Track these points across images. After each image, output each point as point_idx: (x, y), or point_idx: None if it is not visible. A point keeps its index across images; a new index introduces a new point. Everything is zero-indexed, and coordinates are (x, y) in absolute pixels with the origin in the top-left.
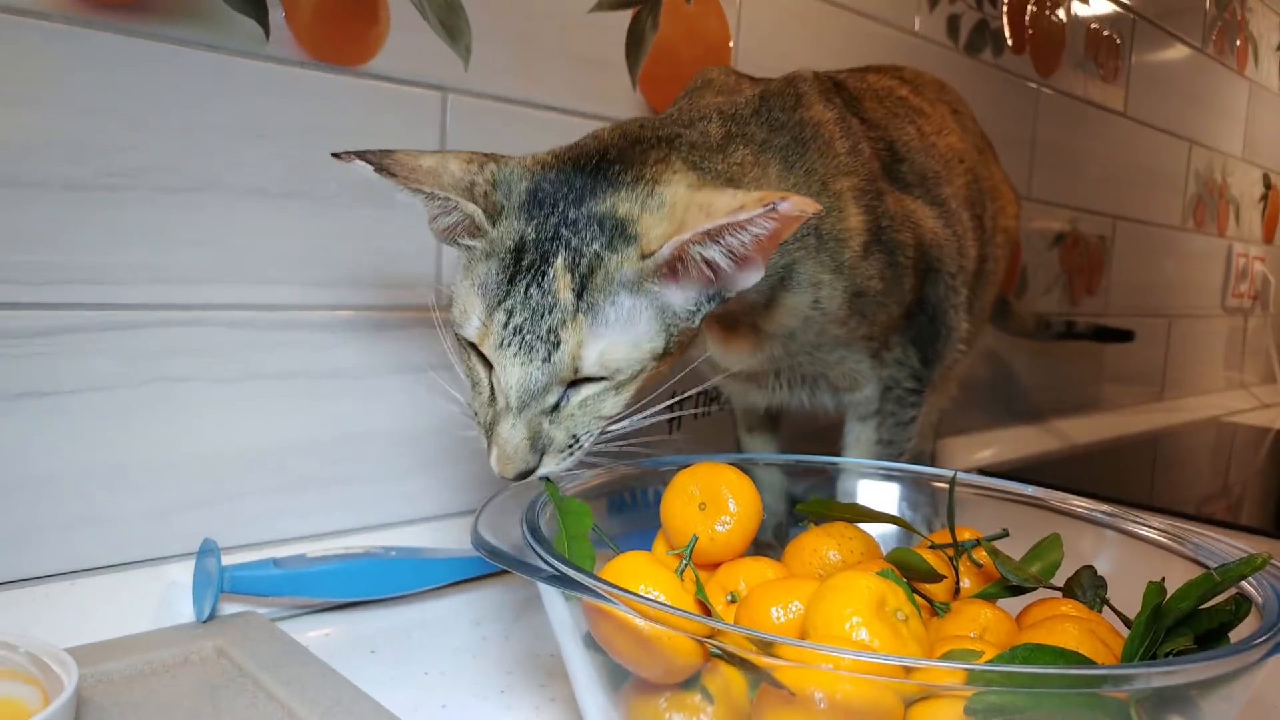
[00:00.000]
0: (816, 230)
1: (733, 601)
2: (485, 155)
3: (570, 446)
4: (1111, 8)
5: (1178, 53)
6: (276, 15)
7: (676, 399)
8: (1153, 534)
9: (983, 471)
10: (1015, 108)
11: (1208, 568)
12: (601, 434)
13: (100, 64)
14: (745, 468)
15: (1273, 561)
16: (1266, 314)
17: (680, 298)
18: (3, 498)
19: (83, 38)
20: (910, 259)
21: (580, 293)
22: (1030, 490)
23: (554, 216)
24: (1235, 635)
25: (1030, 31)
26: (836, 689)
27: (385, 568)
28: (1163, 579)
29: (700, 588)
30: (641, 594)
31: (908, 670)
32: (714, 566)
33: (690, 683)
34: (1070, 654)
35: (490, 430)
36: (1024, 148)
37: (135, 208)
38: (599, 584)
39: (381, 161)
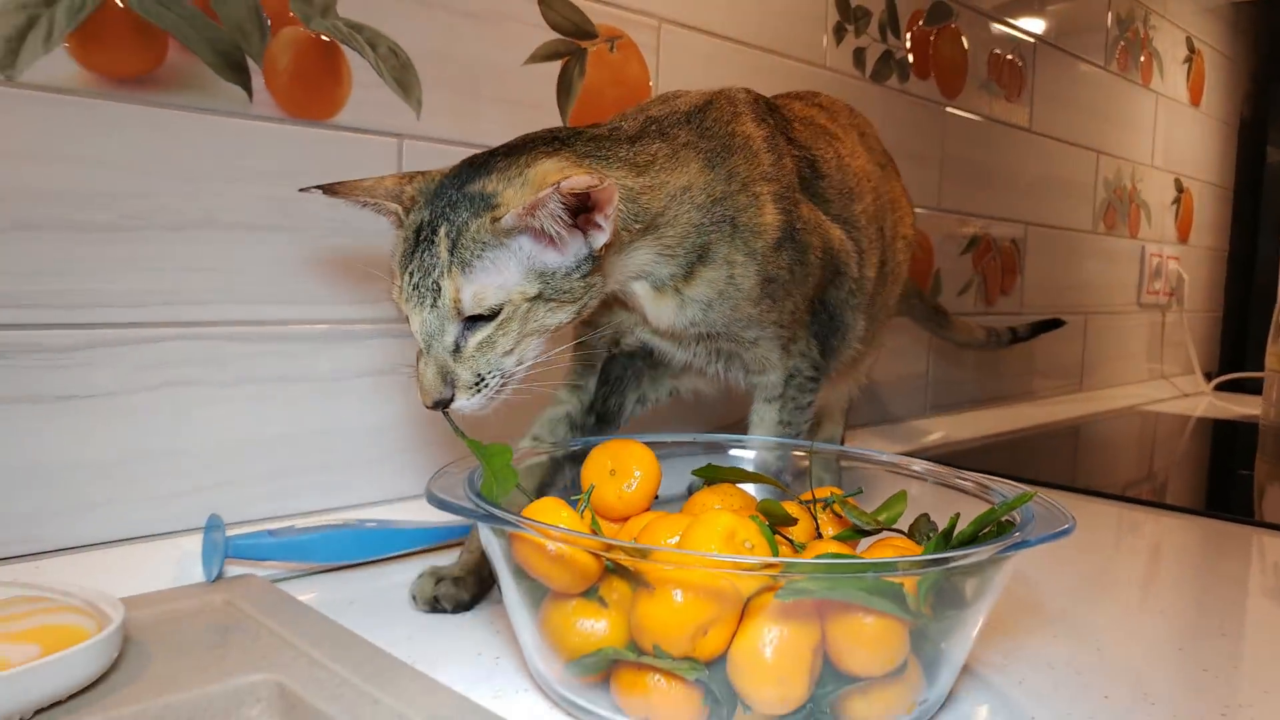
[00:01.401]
0: (733, 221)
1: None
2: (417, 173)
3: (477, 384)
4: (1012, 33)
5: (1081, 70)
6: (258, 81)
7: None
8: (970, 486)
9: (927, 453)
10: (923, 127)
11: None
12: (507, 376)
13: (118, 127)
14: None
15: (1039, 497)
16: (1182, 309)
17: (554, 257)
18: (49, 482)
19: (104, 108)
20: (819, 259)
21: (453, 250)
22: (885, 458)
23: (442, 201)
24: None
25: (933, 58)
26: (686, 582)
27: (363, 536)
28: (958, 514)
29: (595, 521)
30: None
31: (736, 565)
32: (623, 520)
33: (590, 592)
34: (871, 562)
35: (415, 370)
36: (933, 163)
37: (149, 243)
38: (520, 519)
39: (331, 187)
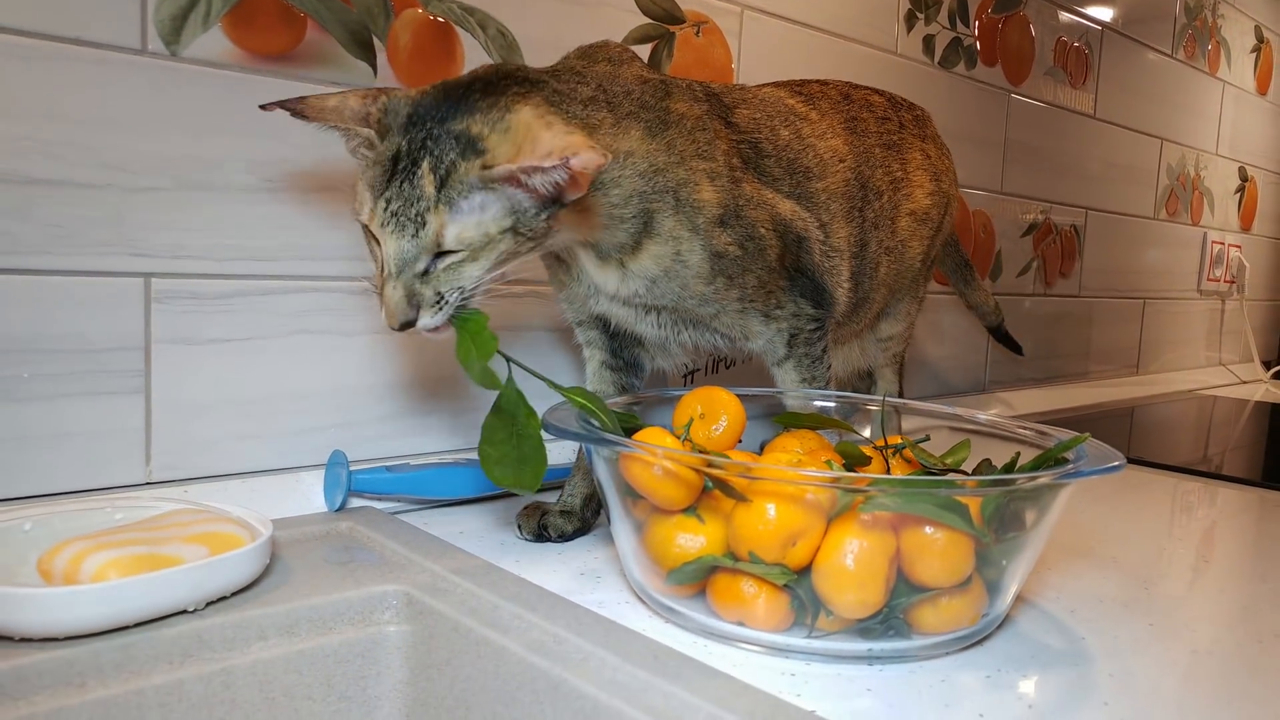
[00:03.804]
0: (675, 194)
1: None
2: (379, 90)
3: (438, 303)
4: (1080, 21)
5: (1148, 58)
6: (381, 58)
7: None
8: (1030, 435)
9: None
10: (988, 113)
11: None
12: (465, 295)
13: (263, 99)
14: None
15: (1092, 439)
16: (1243, 297)
17: (527, 201)
18: (200, 416)
19: (252, 81)
20: (770, 231)
21: (440, 188)
22: (949, 409)
23: (422, 132)
24: None
25: (1000, 45)
26: (780, 494)
27: (473, 474)
28: (1019, 453)
29: (694, 446)
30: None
31: (826, 479)
32: None
33: (690, 510)
34: (943, 480)
35: (380, 292)
36: (997, 148)
37: (285, 204)
38: (634, 441)
39: (296, 106)
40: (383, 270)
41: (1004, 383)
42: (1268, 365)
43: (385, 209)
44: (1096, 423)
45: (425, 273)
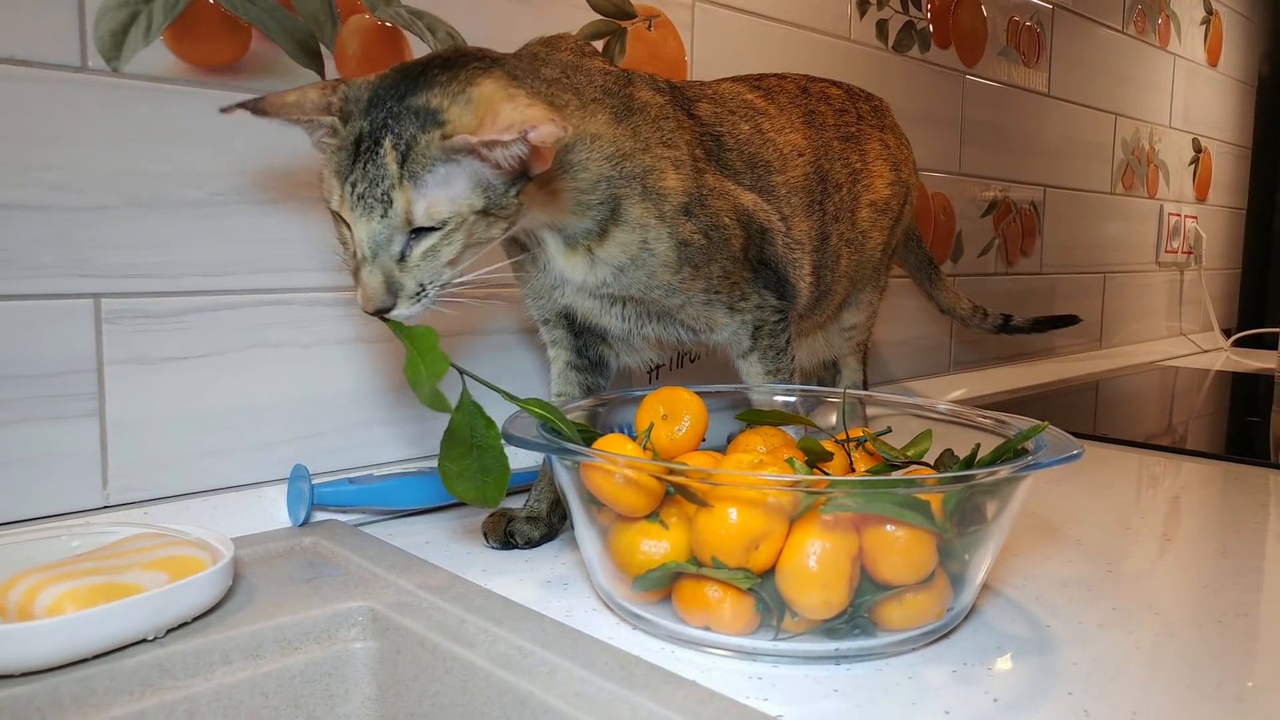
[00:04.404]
0: (642, 181)
1: None
2: (337, 81)
3: (418, 294)
4: (1031, 0)
5: (1099, 34)
6: (329, 65)
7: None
8: (989, 424)
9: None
10: (944, 95)
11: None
12: (445, 286)
13: (213, 113)
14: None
15: (1051, 428)
16: (1201, 267)
17: (494, 177)
18: (157, 436)
19: (200, 95)
20: (733, 221)
21: (403, 164)
22: (909, 399)
23: (382, 111)
24: None
25: (953, 28)
26: (740, 500)
27: (436, 482)
28: (979, 444)
29: (655, 453)
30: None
31: (786, 483)
32: (673, 460)
33: (653, 516)
34: (902, 479)
35: (356, 277)
36: (954, 129)
37: (237, 217)
38: (594, 450)
39: (257, 105)
40: (356, 255)
41: (969, 362)
42: (1227, 333)
43: (352, 192)
44: (1062, 398)
45: (402, 258)
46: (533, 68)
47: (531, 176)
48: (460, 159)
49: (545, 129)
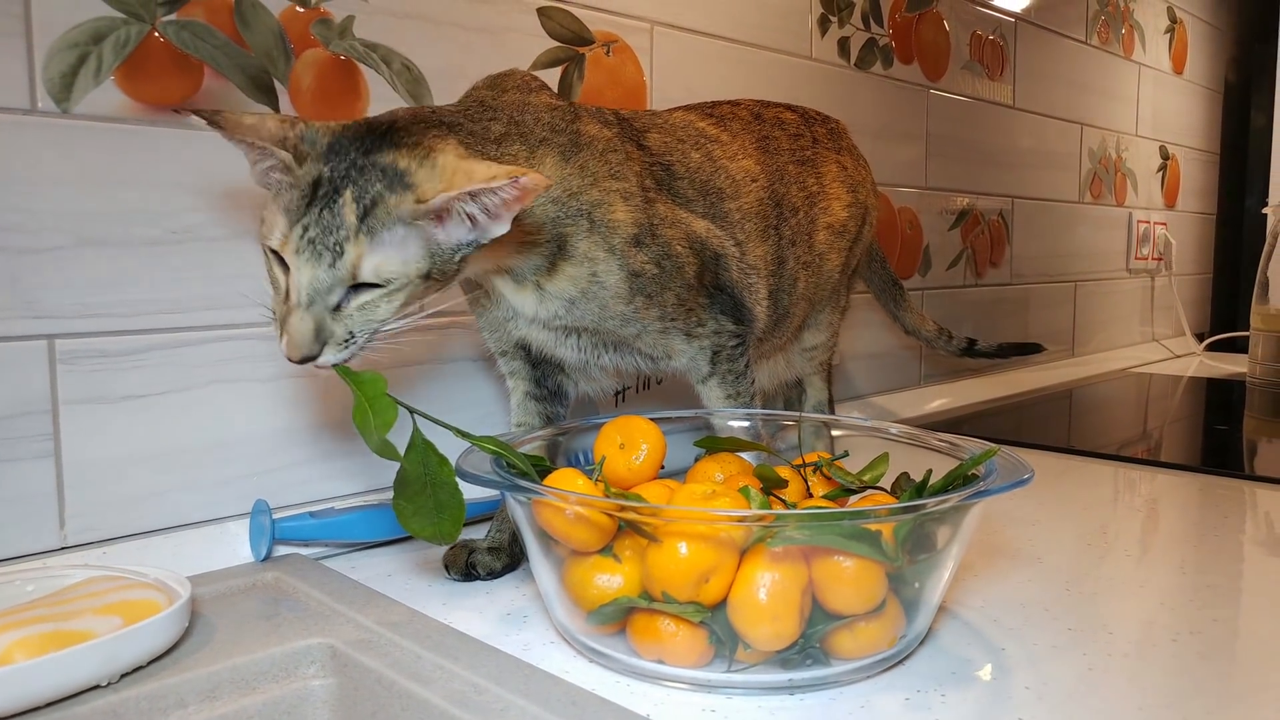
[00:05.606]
0: (589, 216)
1: None
2: (295, 118)
3: (347, 341)
4: (993, 14)
5: (1063, 46)
6: (284, 100)
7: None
8: (943, 446)
9: (928, 421)
10: (908, 110)
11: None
12: (374, 335)
13: (165, 151)
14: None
15: (1002, 452)
16: (1171, 273)
17: (444, 237)
18: (117, 475)
19: (149, 133)
20: (686, 249)
21: (363, 218)
22: (864, 421)
23: (345, 161)
24: None
25: (916, 43)
26: (688, 535)
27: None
28: (930, 470)
29: (607, 486)
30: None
31: (734, 518)
32: (632, 489)
33: (606, 550)
34: (848, 511)
35: (283, 322)
36: (918, 144)
37: (193, 255)
38: (544, 486)
39: (213, 117)
40: (287, 298)
41: (940, 375)
42: (1200, 337)
43: (302, 235)
44: (1035, 408)
45: (338, 308)
46: (484, 127)
47: (484, 242)
48: (420, 224)
49: (533, 176)
